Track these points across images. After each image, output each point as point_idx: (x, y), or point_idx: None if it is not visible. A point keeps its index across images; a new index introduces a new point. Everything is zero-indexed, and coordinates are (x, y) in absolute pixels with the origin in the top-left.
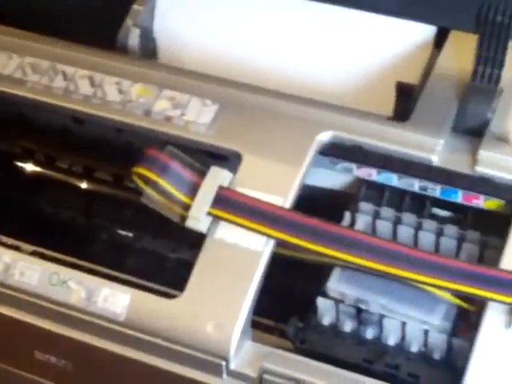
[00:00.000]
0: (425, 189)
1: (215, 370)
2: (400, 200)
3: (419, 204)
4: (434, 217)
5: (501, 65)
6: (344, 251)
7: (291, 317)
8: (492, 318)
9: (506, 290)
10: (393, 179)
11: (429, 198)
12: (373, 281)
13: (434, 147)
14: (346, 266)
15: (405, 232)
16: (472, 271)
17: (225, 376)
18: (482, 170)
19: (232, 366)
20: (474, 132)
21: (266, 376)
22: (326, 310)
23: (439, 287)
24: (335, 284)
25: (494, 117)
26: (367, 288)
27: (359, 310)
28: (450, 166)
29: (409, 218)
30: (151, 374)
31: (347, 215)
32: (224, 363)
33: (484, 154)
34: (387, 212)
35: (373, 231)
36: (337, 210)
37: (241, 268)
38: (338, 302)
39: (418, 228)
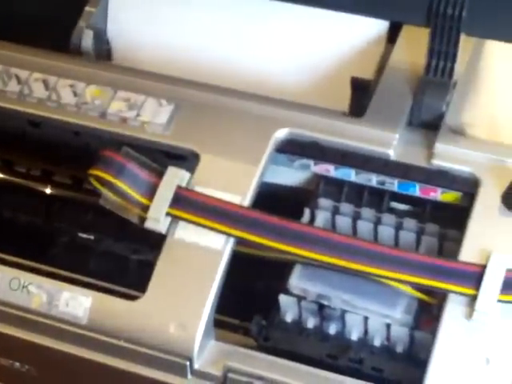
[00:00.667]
0: (382, 183)
1: (179, 370)
2: (359, 195)
3: (378, 199)
4: (392, 211)
5: (454, 58)
6: (304, 248)
7: (255, 315)
8: (452, 310)
9: (465, 281)
10: (350, 174)
11: (387, 192)
12: (334, 276)
13: (391, 141)
14: (308, 263)
15: (364, 227)
16: (431, 264)
17: (189, 376)
18: (438, 163)
19: (196, 366)
20: (429, 125)
21: (230, 375)
22: (288, 307)
23: (399, 281)
24: (297, 281)
25: (448, 110)
26: (329, 284)
27: (321, 306)
28: (406, 160)
29: (368, 212)
30: (115, 377)
31: (307, 212)
32: (188, 363)
33: (440, 146)
34: (346, 207)
35: (333, 227)
36: (296, 206)
37: (202, 267)
38: (300, 298)
39: (378, 222)
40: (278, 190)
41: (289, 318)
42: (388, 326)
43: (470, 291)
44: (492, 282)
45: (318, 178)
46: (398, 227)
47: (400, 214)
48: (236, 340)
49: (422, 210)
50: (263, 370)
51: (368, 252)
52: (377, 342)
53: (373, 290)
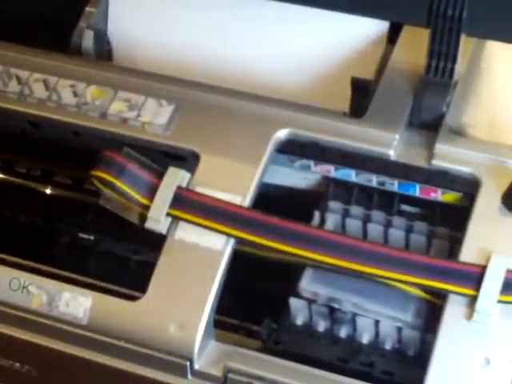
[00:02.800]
0: (383, 184)
1: (180, 370)
2: (368, 198)
3: (388, 201)
4: (402, 213)
5: (454, 58)
6: (304, 248)
7: (255, 315)
8: (453, 311)
9: (465, 282)
10: (351, 175)
11: (397, 194)
12: (345, 280)
13: (391, 142)
14: (314, 266)
15: (374, 230)
16: (431, 264)
17: (189, 376)
18: (438, 163)
19: (196, 366)
20: (429, 126)
21: (230, 375)
22: (299, 311)
23: (400, 281)
24: (307, 284)
25: (449, 110)
26: (339, 287)
27: (332, 310)
28: (406, 161)
29: (378, 215)
30: (116, 377)
31: (316, 214)
32: (188, 363)
33: (440, 147)
34: (356, 210)
35: (343, 230)
36: (296, 207)
37: (202, 268)
38: (310, 301)
39: (388, 225)
40: (277, 190)
41: (299, 321)
42: (399, 329)
43: (470, 292)
44: (492, 283)
45: (327, 181)
46: (408, 230)
47: (409, 217)
48: (236, 340)
49: (432, 212)
50: (263, 370)
51: (367, 252)
52: (387, 346)
53: (383, 293)
